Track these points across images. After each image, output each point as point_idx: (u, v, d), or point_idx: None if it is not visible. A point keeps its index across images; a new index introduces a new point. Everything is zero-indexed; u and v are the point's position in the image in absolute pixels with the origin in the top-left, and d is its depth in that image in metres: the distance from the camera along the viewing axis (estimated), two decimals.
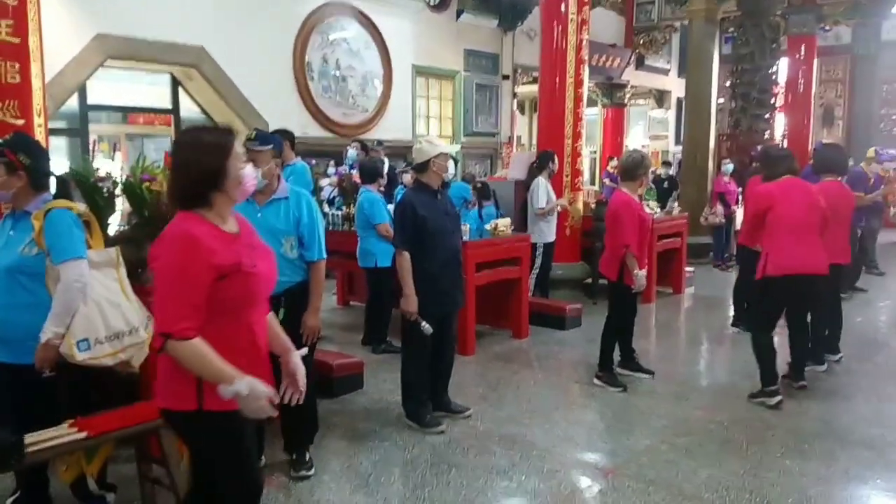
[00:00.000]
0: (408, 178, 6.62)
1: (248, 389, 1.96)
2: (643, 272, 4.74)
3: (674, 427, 4.25)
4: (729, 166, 10.07)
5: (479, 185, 7.66)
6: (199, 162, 2.08)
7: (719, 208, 9.49)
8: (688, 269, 8.64)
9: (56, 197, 2.90)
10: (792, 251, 4.38)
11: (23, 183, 2.80)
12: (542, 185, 7.02)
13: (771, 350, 4.57)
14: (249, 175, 2.17)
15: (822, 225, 4.50)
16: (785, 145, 12.91)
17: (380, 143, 9.34)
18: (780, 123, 13.84)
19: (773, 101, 11.84)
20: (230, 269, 2.03)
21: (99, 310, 2.80)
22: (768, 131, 11.80)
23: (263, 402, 2.01)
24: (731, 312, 6.82)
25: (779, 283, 4.45)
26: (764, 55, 11.37)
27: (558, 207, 7.12)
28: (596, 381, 4.96)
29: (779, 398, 4.48)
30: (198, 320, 1.98)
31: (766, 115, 11.64)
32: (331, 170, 8.88)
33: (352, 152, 8.80)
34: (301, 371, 2.29)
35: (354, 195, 7.03)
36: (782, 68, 12.49)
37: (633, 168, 4.87)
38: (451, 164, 4.26)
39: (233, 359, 2.01)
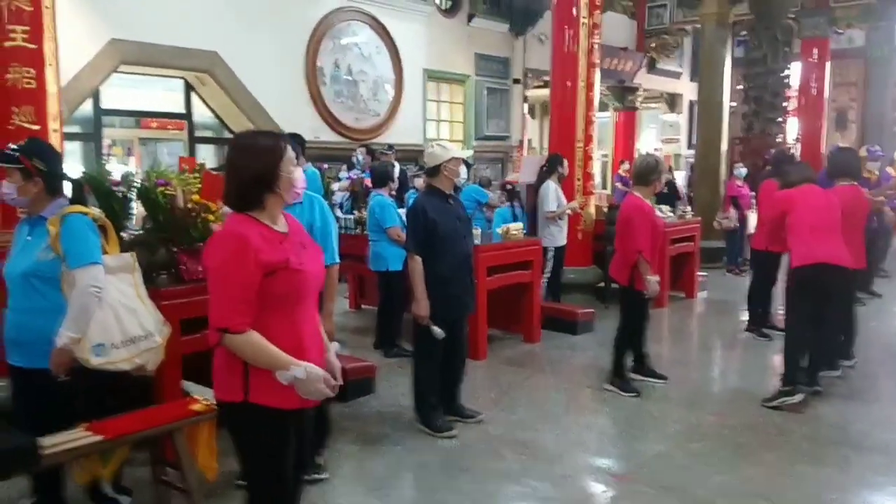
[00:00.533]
0: (420, 182, 6.63)
1: (305, 373, 2.09)
2: (656, 278, 4.72)
3: (687, 432, 4.22)
4: (742, 170, 10.01)
5: (508, 186, 7.69)
6: (255, 165, 2.19)
7: (732, 212, 9.44)
8: (701, 273, 8.59)
9: (71, 202, 2.92)
10: (817, 244, 4.52)
11: (38, 188, 2.82)
12: (551, 188, 7.01)
13: (803, 349, 4.67)
14: (300, 178, 2.28)
15: (841, 225, 4.60)
16: (798, 149, 12.85)
17: (390, 147, 9.37)
18: (792, 127, 13.78)
19: (785, 104, 11.78)
20: (277, 266, 2.13)
21: (115, 315, 2.82)
22: (781, 135, 11.74)
23: (321, 385, 2.12)
24: (745, 317, 6.77)
25: (806, 272, 4.51)
26: (777, 58, 11.32)
27: (569, 211, 7.11)
28: (608, 386, 4.93)
29: (802, 395, 4.51)
30: (250, 315, 2.09)
31: (779, 119, 11.59)
32: (343, 174, 8.93)
33: (358, 157, 8.85)
34: (337, 367, 2.39)
35: (366, 199, 7.07)
36: (795, 72, 12.44)
37: (646, 172, 4.86)
38: (463, 168, 4.27)
39: (287, 348, 2.13)
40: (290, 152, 2.26)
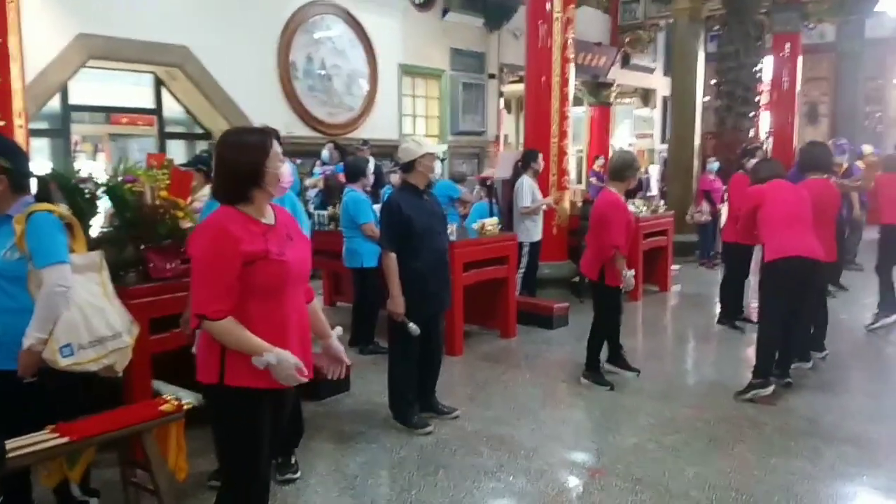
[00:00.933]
0: (396, 178, 6.59)
1: (277, 359, 2.19)
2: (631, 272, 4.74)
3: (661, 425, 4.25)
4: (714, 164, 10.11)
5: (488, 182, 7.69)
6: (242, 161, 2.27)
7: (705, 206, 9.53)
8: (674, 266, 8.67)
9: (37, 199, 2.85)
10: (789, 238, 4.57)
11: (3, 186, 2.74)
12: (526, 184, 7.02)
13: (776, 343, 4.70)
14: (286, 173, 2.37)
15: (812, 218, 4.66)
16: (770, 143, 13.00)
17: (365, 142, 9.31)
18: (764, 121, 13.92)
19: (757, 98, 11.90)
20: (256, 257, 2.21)
21: (82, 315, 2.76)
22: (753, 129, 11.85)
23: (292, 371, 2.22)
24: (718, 310, 6.85)
25: (778, 266, 4.55)
26: (749, 53, 11.42)
27: (544, 206, 7.13)
28: (582, 380, 4.96)
29: (772, 387, 4.57)
30: (229, 302, 2.19)
31: (751, 113, 11.70)
32: (316, 170, 8.86)
33: (325, 153, 8.79)
34: (341, 351, 2.60)
35: (340, 194, 7.02)
36: (767, 66, 12.55)
37: (621, 168, 4.87)
38: (437, 164, 4.25)
39: (266, 335, 2.22)
40: (276, 148, 2.33)
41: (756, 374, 4.64)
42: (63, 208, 3.01)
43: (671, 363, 5.83)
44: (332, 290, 7.58)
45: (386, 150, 10.75)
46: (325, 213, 6.78)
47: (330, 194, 7.67)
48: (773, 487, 3.45)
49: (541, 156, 7.17)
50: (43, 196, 2.91)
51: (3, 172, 2.73)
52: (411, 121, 11.91)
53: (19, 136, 4.28)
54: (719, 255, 8.97)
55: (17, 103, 4.25)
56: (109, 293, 2.97)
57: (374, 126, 10.86)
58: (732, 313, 6.59)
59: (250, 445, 2.32)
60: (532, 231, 7.04)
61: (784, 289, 4.61)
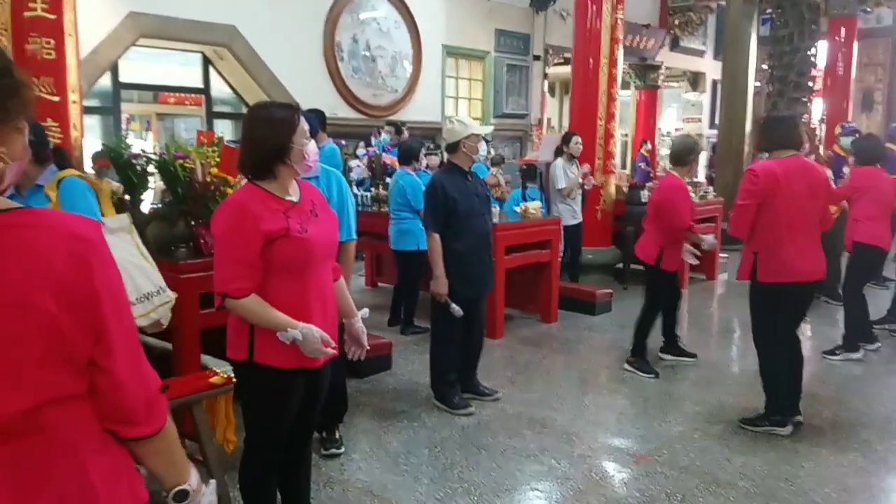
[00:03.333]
0: (433, 160, 6.53)
1: (302, 334, 2.19)
2: (711, 236, 4.59)
3: (707, 414, 4.18)
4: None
5: (524, 166, 7.61)
6: (269, 136, 2.25)
7: None
8: (722, 255, 8.50)
9: (59, 167, 2.88)
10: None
11: (28, 158, 2.77)
12: (559, 166, 6.96)
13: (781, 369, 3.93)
14: (312, 150, 2.34)
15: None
16: (823, 130, 12.62)
17: (403, 124, 9.29)
18: (817, 108, 13.51)
19: (811, 84, 11.54)
20: (278, 235, 2.19)
21: (126, 273, 2.79)
22: (806, 115, 11.51)
23: (318, 345, 2.23)
24: None
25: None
26: (803, 37, 11.07)
27: (579, 188, 6.97)
28: (626, 366, 4.89)
29: (790, 427, 3.84)
30: (251, 280, 2.19)
31: (805, 99, 11.35)
32: (360, 151, 8.86)
33: (385, 136, 8.76)
34: (363, 333, 2.58)
35: (384, 176, 7.02)
36: (821, 51, 12.15)
37: (683, 153, 4.82)
38: (482, 145, 4.21)
39: (289, 312, 2.22)
40: (303, 124, 2.31)
41: (771, 410, 3.93)
42: (113, 183, 3.06)
43: (717, 351, 5.72)
44: (374, 272, 7.60)
45: (428, 133, 10.71)
46: (368, 194, 6.78)
47: (373, 176, 7.67)
48: (823, 479, 3.37)
49: (575, 138, 7.04)
50: (62, 164, 2.94)
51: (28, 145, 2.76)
52: (454, 103, 11.84)
53: (73, 112, 4.35)
54: None
55: (72, 79, 4.31)
56: (144, 252, 3.01)
57: (416, 108, 10.83)
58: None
59: (274, 419, 2.38)
60: (565, 215, 6.92)
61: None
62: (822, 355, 5.20)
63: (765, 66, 12.22)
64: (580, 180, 6.94)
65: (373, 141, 8.82)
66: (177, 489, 1.30)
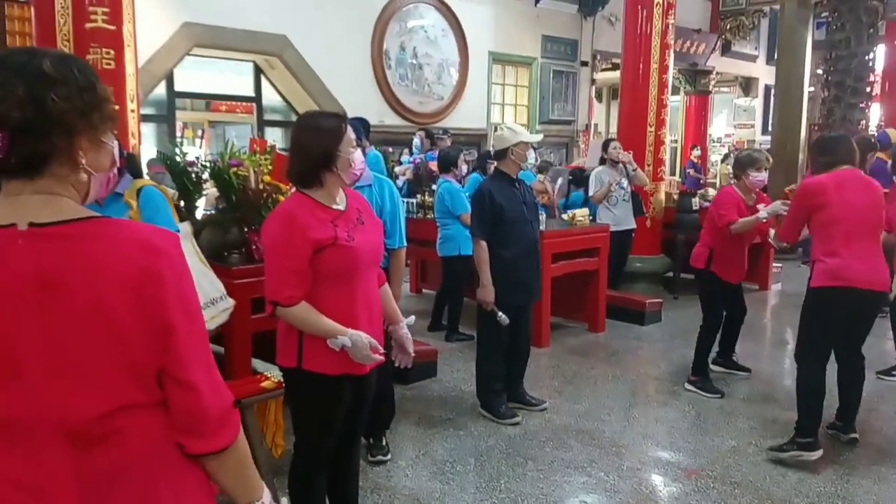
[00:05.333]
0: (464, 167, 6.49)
1: (352, 341, 2.23)
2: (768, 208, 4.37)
3: (761, 428, 4.07)
4: None
5: (571, 172, 7.56)
6: (316, 145, 2.29)
7: None
8: (775, 264, 8.28)
9: (132, 175, 2.94)
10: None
11: (115, 171, 2.84)
12: (595, 172, 6.88)
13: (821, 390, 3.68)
14: (358, 159, 2.36)
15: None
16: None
17: (445, 131, 9.31)
18: (875, 113, 13.09)
19: (869, 89, 11.19)
20: (325, 244, 2.23)
21: (195, 280, 2.85)
22: (863, 121, 11.16)
23: (367, 352, 2.27)
24: None
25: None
26: (860, 41, 10.74)
27: (612, 195, 6.81)
28: (688, 385, 4.68)
29: (820, 452, 3.56)
30: (301, 288, 2.23)
31: (862, 105, 11.01)
32: (405, 158, 8.92)
33: (416, 141, 8.82)
34: (408, 340, 2.57)
35: (430, 183, 7.04)
36: (879, 55, 11.77)
37: (736, 166, 4.66)
38: (531, 153, 4.19)
39: (339, 319, 2.26)
40: (350, 133, 2.34)
41: (800, 431, 3.65)
42: (169, 190, 3.12)
43: (771, 365, 5.56)
44: (419, 278, 7.62)
45: (474, 139, 10.74)
46: (414, 200, 6.81)
47: (419, 183, 7.71)
48: (883, 499, 3.25)
49: (614, 143, 6.93)
50: (135, 172, 3.01)
51: None
52: (500, 109, 11.83)
53: (131, 121, 4.48)
54: None
55: (131, 88, 4.45)
56: (202, 259, 3.07)
57: (462, 115, 10.85)
58: None
59: (322, 425, 2.42)
60: (605, 221, 6.75)
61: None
62: (876, 376, 4.97)
63: (820, 71, 11.91)
64: (613, 186, 6.75)
65: (413, 147, 8.89)
66: None
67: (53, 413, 1.07)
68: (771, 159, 4.61)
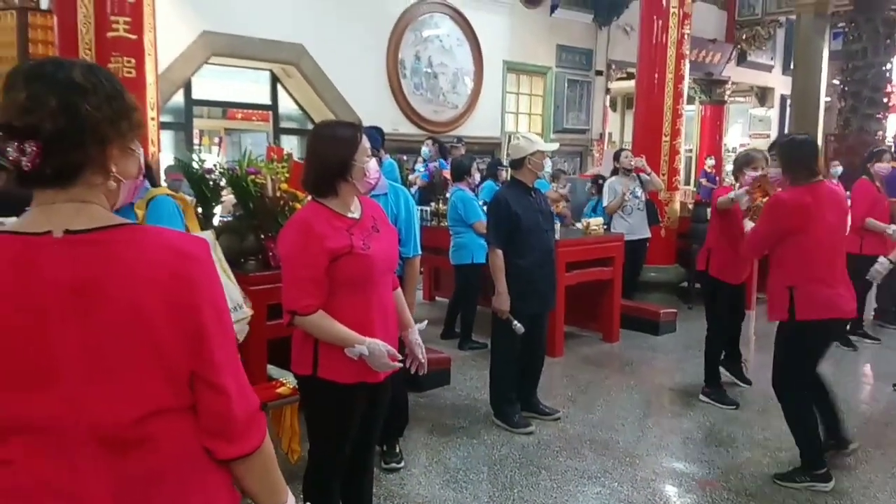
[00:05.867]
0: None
1: (369, 349, 2.25)
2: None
3: (776, 440, 4.03)
4: (838, 168, 9.51)
5: (600, 180, 7.57)
6: (333, 154, 2.31)
7: None
8: None
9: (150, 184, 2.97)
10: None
11: (141, 179, 2.86)
12: (608, 182, 6.90)
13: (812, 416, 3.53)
14: (373, 168, 2.38)
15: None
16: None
17: (459, 140, 9.34)
18: (892, 124, 13.00)
19: (886, 100, 11.15)
20: (341, 252, 2.25)
21: None
22: (880, 132, 11.10)
23: (385, 359, 2.29)
24: None
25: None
26: (877, 51, 10.74)
27: (626, 204, 6.79)
28: (703, 397, 4.64)
29: (832, 482, 3.43)
30: (318, 297, 2.24)
31: (879, 115, 10.97)
32: (418, 166, 8.95)
33: (424, 149, 8.85)
34: (420, 346, 2.57)
35: (444, 191, 7.07)
36: None
37: (734, 166, 4.69)
38: (547, 161, 4.20)
39: (355, 326, 2.28)
40: (365, 143, 2.37)
41: (808, 463, 3.48)
42: (181, 193, 3.14)
43: None
44: (432, 286, 7.64)
45: (487, 148, 10.76)
46: (427, 208, 6.83)
47: (434, 191, 7.73)
48: None
49: (625, 153, 6.93)
50: (151, 181, 3.04)
51: None
52: (514, 118, 11.86)
53: (151, 129, 4.54)
54: None
55: (151, 96, 4.50)
56: (226, 269, 3.09)
57: (476, 124, 10.88)
58: (849, 328, 6.19)
59: (338, 433, 2.43)
60: (620, 230, 6.72)
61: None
62: (893, 388, 4.94)
63: (836, 82, 11.86)
64: (626, 196, 6.73)
65: (423, 155, 8.91)
66: None
67: (89, 418, 1.09)
68: (769, 159, 4.42)
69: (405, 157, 8.77)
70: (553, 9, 11.64)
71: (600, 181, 7.56)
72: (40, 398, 1.08)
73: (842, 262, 3.45)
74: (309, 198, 2.45)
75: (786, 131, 13.29)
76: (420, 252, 3.48)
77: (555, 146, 4.33)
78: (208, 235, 3.09)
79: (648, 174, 6.79)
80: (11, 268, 1.07)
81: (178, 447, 1.17)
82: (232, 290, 3.00)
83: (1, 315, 1.06)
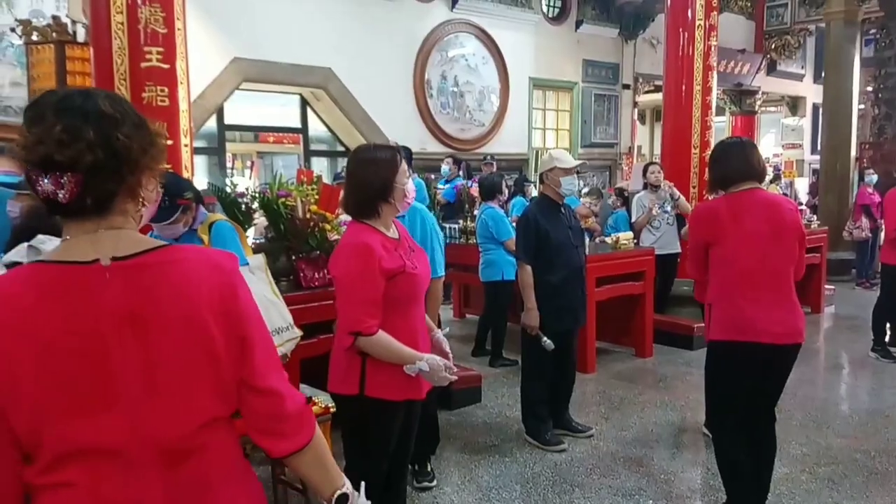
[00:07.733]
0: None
1: (428, 365, 2.31)
2: None
3: (814, 456, 3.96)
4: (873, 177, 9.36)
5: (626, 192, 7.55)
6: (375, 177, 2.38)
7: (864, 222, 8.82)
8: (828, 286, 8.08)
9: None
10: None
11: (193, 213, 2.92)
12: (636, 197, 6.86)
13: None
14: (411, 188, 2.47)
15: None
16: None
17: (491, 157, 9.39)
18: None
19: None
20: (397, 272, 2.32)
21: (263, 309, 2.92)
22: None
23: (443, 373, 2.35)
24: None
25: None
26: None
27: (655, 219, 6.70)
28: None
29: None
30: (379, 317, 2.29)
31: None
32: (443, 183, 8.97)
33: (444, 168, 8.91)
34: (445, 342, 2.62)
35: (472, 208, 7.09)
36: None
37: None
38: (574, 179, 4.16)
39: (407, 344, 2.35)
40: (404, 164, 2.45)
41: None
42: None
43: (824, 390, 5.40)
44: (462, 303, 7.65)
45: (515, 164, 10.79)
46: (455, 226, 6.86)
47: (461, 208, 7.76)
48: None
49: (652, 167, 6.86)
50: (205, 207, 3.13)
51: (192, 201, 2.92)
52: (541, 134, 11.87)
53: (184, 154, 4.63)
54: (878, 276, 8.27)
55: (184, 123, 4.60)
56: (275, 289, 3.16)
57: (503, 140, 10.93)
58: (887, 340, 6.05)
59: (379, 450, 2.46)
60: (650, 245, 6.64)
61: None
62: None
63: (870, 89, 11.67)
64: (654, 211, 6.67)
65: (443, 173, 8.94)
66: (338, 494, 1.35)
67: (148, 434, 1.13)
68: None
69: (433, 176, 8.81)
70: (578, 24, 11.67)
71: (626, 193, 7.53)
72: (101, 421, 1.11)
73: (783, 278, 2.94)
74: (342, 219, 2.51)
75: (819, 140, 13.10)
76: (442, 273, 3.49)
77: (575, 163, 4.24)
78: (260, 258, 3.17)
79: (676, 199, 6.68)
80: (67, 297, 1.11)
81: (223, 455, 1.22)
82: (283, 310, 3.07)
83: (61, 344, 1.10)
